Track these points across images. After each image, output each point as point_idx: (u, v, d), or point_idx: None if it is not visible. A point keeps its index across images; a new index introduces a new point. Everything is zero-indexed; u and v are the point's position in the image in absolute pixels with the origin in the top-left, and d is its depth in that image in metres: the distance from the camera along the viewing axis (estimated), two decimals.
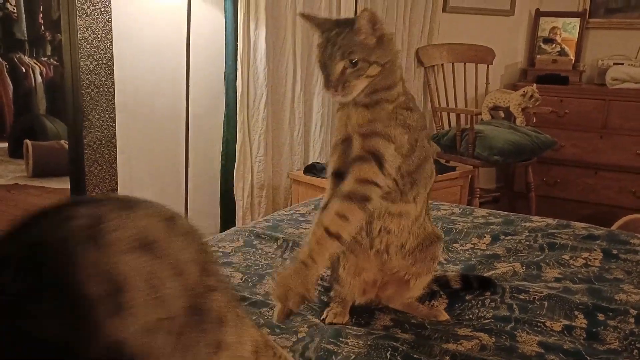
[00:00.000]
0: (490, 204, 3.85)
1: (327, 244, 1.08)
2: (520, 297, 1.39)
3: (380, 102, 1.14)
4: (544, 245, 1.70)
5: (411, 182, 1.19)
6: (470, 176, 3.40)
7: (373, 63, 1.11)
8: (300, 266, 1.06)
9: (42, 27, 2.70)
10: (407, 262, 1.28)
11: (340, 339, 1.20)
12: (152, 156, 2.66)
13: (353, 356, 1.13)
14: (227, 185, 2.95)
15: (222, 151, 2.92)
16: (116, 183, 2.41)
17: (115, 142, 2.40)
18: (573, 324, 1.27)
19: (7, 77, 2.61)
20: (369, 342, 1.19)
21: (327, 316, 1.31)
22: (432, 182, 1.27)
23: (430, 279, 1.35)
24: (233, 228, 1.80)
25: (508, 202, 3.97)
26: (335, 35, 1.11)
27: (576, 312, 1.31)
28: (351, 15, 3.22)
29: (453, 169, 3.35)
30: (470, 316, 1.33)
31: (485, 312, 1.33)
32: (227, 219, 2.98)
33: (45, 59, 2.69)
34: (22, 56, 2.65)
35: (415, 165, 1.18)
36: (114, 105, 2.37)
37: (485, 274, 1.51)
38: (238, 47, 2.80)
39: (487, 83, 3.86)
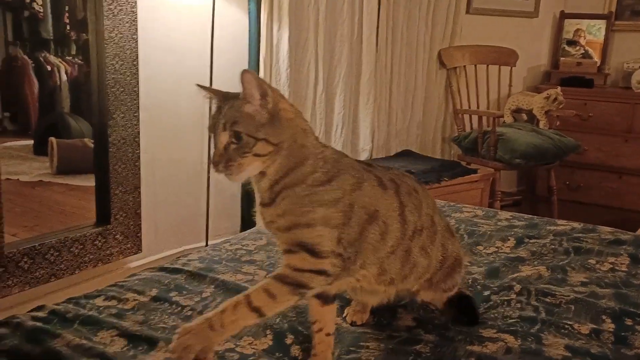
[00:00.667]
0: (511, 207, 3.82)
1: (244, 315, 0.96)
2: (546, 300, 1.37)
3: (284, 192, 1.01)
4: (570, 249, 1.68)
5: (355, 253, 1.04)
6: (491, 179, 3.37)
7: (261, 140, 0.97)
8: (205, 327, 0.93)
9: (68, 26, 2.74)
10: (420, 286, 1.23)
11: (361, 343, 1.20)
12: (174, 156, 2.68)
13: (373, 359, 1.13)
14: (248, 185, 2.95)
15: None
16: (139, 181, 2.44)
17: (139, 141, 2.42)
18: (601, 328, 1.25)
19: (33, 75, 2.65)
20: (390, 346, 1.18)
21: (347, 314, 1.31)
22: (391, 241, 1.09)
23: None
24: (255, 227, 1.81)
25: (529, 206, 3.93)
26: (224, 106, 1.00)
27: (603, 317, 1.29)
28: (374, 18, 3.22)
29: (474, 171, 3.33)
30: (496, 316, 1.31)
31: (510, 312, 1.32)
32: (248, 219, 2.99)
33: (70, 58, 2.72)
34: (48, 55, 2.69)
35: (356, 233, 1.04)
36: (138, 104, 2.40)
37: (510, 277, 1.50)
38: (260, 48, 2.82)
39: (510, 85, 3.83)
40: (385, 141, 3.48)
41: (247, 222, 2.97)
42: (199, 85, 1.07)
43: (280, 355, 1.16)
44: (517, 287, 1.43)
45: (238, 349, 1.14)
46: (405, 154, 3.48)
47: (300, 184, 1.00)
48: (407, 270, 1.15)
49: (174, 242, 2.73)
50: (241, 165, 0.97)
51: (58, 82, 2.71)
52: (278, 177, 1.01)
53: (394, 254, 1.11)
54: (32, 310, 1.24)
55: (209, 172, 2.75)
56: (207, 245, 2.66)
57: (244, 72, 0.96)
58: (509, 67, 3.81)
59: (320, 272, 1.00)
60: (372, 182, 1.09)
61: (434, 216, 1.22)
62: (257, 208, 1.06)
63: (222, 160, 0.97)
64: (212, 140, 1.00)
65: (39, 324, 1.15)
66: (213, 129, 0.99)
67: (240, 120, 0.97)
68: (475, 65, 3.72)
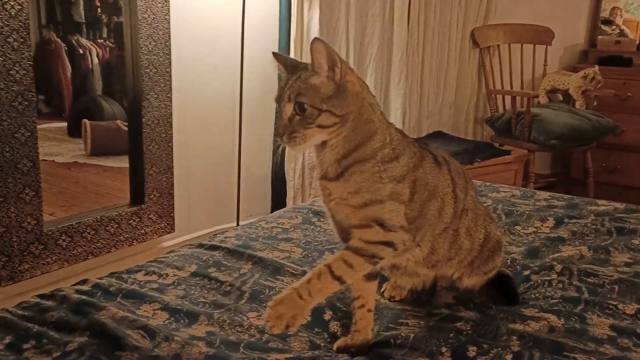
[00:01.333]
0: (545, 189, 3.74)
1: (328, 283, 0.99)
2: (589, 280, 1.34)
3: (354, 167, 1.00)
4: (612, 229, 1.64)
5: (416, 229, 1.07)
6: (525, 161, 3.31)
7: (325, 111, 0.96)
8: (295, 296, 0.96)
9: (99, 9, 2.76)
10: (461, 273, 1.23)
11: (400, 320, 1.19)
12: (206, 137, 2.69)
13: (412, 335, 1.12)
14: (279, 167, 2.96)
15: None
16: (172, 162, 2.46)
17: (172, 122, 2.43)
18: None
19: (66, 58, 2.68)
20: (430, 323, 1.17)
21: (385, 289, 1.31)
22: (446, 218, 1.12)
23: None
24: (291, 205, 1.81)
25: (564, 188, 3.85)
26: (294, 77, 0.99)
27: None
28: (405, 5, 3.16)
29: (507, 153, 3.27)
30: (537, 295, 1.29)
31: (552, 293, 1.29)
32: (278, 200, 2.99)
33: (102, 41, 2.75)
34: (80, 38, 2.71)
35: (418, 210, 1.06)
36: (171, 85, 2.41)
37: (551, 257, 1.47)
38: (291, 28, 2.79)
39: (545, 65, 3.73)
40: (417, 122, 3.44)
41: (277, 203, 2.97)
42: (274, 53, 1.07)
43: (319, 330, 1.16)
44: (559, 267, 1.40)
45: None
46: (437, 135, 3.43)
47: (370, 159, 1.01)
48: (453, 252, 1.16)
49: (206, 222, 2.75)
50: (305, 136, 0.97)
51: (90, 65, 2.74)
52: (346, 150, 1.01)
53: (445, 233, 1.13)
54: (76, 284, 1.26)
55: (240, 153, 2.75)
56: (237, 225, 2.68)
57: (314, 40, 0.95)
58: (545, 46, 3.71)
59: (390, 244, 1.02)
60: (430, 160, 1.10)
61: (476, 198, 1.24)
62: (318, 182, 1.06)
63: (286, 132, 0.97)
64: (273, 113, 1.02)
65: (83, 296, 1.17)
66: (279, 100, 1.00)
67: (305, 91, 0.96)
68: (510, 45, 3.64)
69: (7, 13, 1.77)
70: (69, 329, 1.07)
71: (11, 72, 1.81)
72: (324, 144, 1.01)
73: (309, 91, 0.96)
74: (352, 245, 1.02)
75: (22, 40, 1.82)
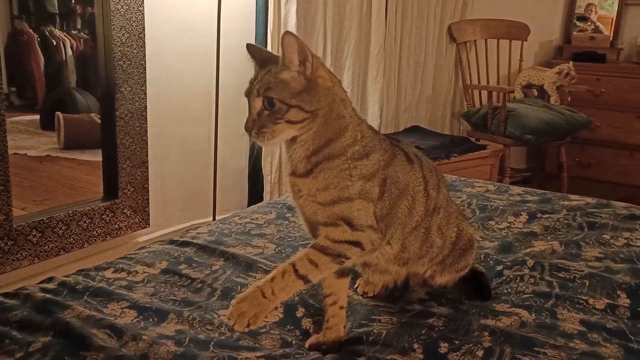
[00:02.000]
0: (520, 184, 3.78)
1: (292, 282, 0.97)
2: (560, 275, 1.35)
3: (324, 163, 0.98)
4: (584, 224, 1.66)
5: (385, 227, 1.05)
6: (500, 155, 3.34)
7: (294, 107, 0.94)
8: (258, 294, 0.94)
9: (73, 0, 2.70)
10: (433, 271, 1.23)
11: (373, 317, 1.19)
12: (181, 130, 2.66)
13: (385, 332, 1.12)
14: (255, 160, 2.94)
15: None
16: (147, 156, 2.42)
17: (146, 115, 2.40)
18: (616, 303, 1.23)
19: (39, 50, 2.62)
20: (403, 320, 1.17)
21: (358, 285, 1.30)
22: (417, 216, 1.10)
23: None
24: (265, 201, 1.79)
25: (538, 182, 3.89)
26: (264, 71, 0.97)
27: (619, 292, 1.28)
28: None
29: (484, 147, 3.29)
30: (509, 291, 1.30)
31: (524, 288, 1.30)
32: (255, 194, 2.97)
33: (76, 32, 2.69)
34: (53, 29, 2.65)
35: (388, 208, 1.04)
36: (145, 77, 2.37)
37: (523, 252, 1.48)
38: (268, 21, 2.77)
39: (521, 60, 3.76)
40: (394, 116, 3.44)
41: (254, 197, 2.95)
42: (248, 44, 1.05)
43: (291, 327, 1.16)
44: (530, 262, 1.41)
45: None
46: (414, 130, 3.44)
47: (340, 156, 0.99)
48: (425, 250, 1.16)
49: (182, 216, 2.72)
50: (274, 131, 0.95)
51: (64, 57, 2.68)
52: (316, 146, 0.99)
53: (416, 231, 1.12)
54: (41, 282, 1.23)
55: (216, 147, 2.73)
56: (214, 220, 2.65)
57: (285, 34, 0.93)
58: (520, 42, 3.74)
59: (357, 244, 1.01)
60: (401, 157, 1.09)
61: (448, 196, 1.23)
62: (288, 178, 1.04)
63: (254, 126, 0.95)
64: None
65: (48, 295, 1.15)
66: (248, 94, 0.97)
67: (274, 86, 0.94)
68: (486, 40, 3.66)
69: None
70: (32, 328, 1.04)
71: None
72: (294, 139, 1.00)
73: (278, 86, 0.94)
74: (318, 244, 1.00)
75: None
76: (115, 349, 0.99)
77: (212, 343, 1.05)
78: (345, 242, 1.00)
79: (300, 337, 1.14)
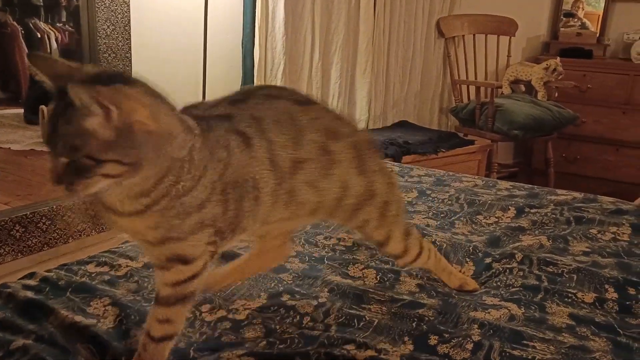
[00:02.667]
0: (507, 179, 3.79)
1: (158, 348, 0.93)
2: (548, 269, 1.35)
3: (152, 207, 0.85)
4: (571, 218, 1.66)
5: (232, 229, 0.95)
6: (488, 151, 3.35)
7: (110, 162, 0.77)
8: None
9: None
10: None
11: (363, 305, 1.19)
12: None
13: (376, 321, 1.12)
14: None
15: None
16: None
17: None
18: (604, 297, 1.24)
19: (23, 42, 2.58)
20: (393, 310, 1.17)
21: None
22: (266, 197, 0.96)
23: None
24: None
25: (526, 178, 3.91)
26: (62, 110, 0.76)
27: (607, 286, 1.28)
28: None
29: (471, 142, 3.30)
30: (498, 284, 1.30)
31: (513, 281, 1.30)
32: None
33: (61, 25, 2.65)
34: (38, 22, 2.61)
35: (233, 215, 0.93)
36: (131, 71, 2.33)
37: (511, 246, 1.48)
38: (256, 15, 2.74)
39: (509, 56, 3.77)
40: (382, 111, 3.44)
41: None
42: (32, 54, 0.87)
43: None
44: (519, 256, 1.41)
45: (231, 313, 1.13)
46: (402, 125, 3.44)
47: (165, 197, 0.85)
48: (291, 212, 1.01)
49: None
50: (88, 185, 0.78)
51: (48, 50, 2.64)
52: (145, 189, 0.84)
53: (275, 203, 0.99)
54: (23, 278, 1.20)
55: None
56: None
57: (70, 85, 0.73)
58: (508, 37, 3.75)
59: (196, 275, 0.93)
60: (237, 144, 0.93)
61: (329, 144, 1.02)
62: (109, 217, 0.89)
63: (62, 182, 0.78)
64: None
65: (30, 293, 1.12)
66: (50, 146, 0.78)
67: (80, 142, 0.76)
68: (474, 35, 3.66)
69: None
70: (15, 330, 1.01)
71: None
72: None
73: (84, 140, 0.75)
74: (161, 297, 0.93)
75: None
76: None
77: (193, 348, 1.03)
78: (186, 280, 0.92)
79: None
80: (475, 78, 3.69)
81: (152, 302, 0.95)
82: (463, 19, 3.64)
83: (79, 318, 1.07)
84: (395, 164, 2.36)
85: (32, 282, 1.18)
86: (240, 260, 1.21)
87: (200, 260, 0.92)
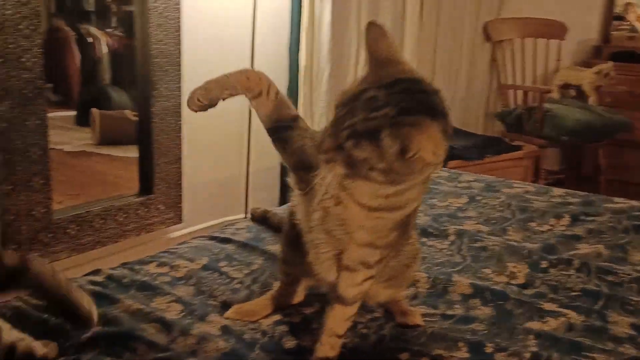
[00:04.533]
0: (554, 186, 3.71)
1: (340, 343, 1.01)
2: (608, 278, 1.32)
3: (385, 212, 0.89)
4: (629, 227, 1.61)
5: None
6: (535, 157, 3.28)
7: (377, 170, 0.79)
8: None
9: None
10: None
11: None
12: (215, 127, 2.67)
13: (429, 330, 1.10)
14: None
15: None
16: (180, 152, 2.44)
17: (181, 112, 2.41)
18: None
19: (75, 47, 2.67)
20: (446, 316, 1.15)
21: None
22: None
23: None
24: None
25: (574, 185, 3.81)
26: (364, 107, 0.78)
27: None
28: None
29: (518, 148, 3.24)
30: (556, 286, 1.27)
31: (572, 286, 1.27)
32: (287, 191, 2.97)
33: (111, 30, 2.73)
34: (89, 27, 2.70)
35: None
36: (181, 75, 2.38)
37: (566, 255, 1.45)
38: (302, 21, 2.77)
39: (558, 60, 3.69)
40: None
41: (286, 195, 2.95)
42: (371, 22, 0.88)
43: None
44: (577, 263, 1.38)
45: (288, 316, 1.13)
46: None
47: (400, 209, 0.92)
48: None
49: (214, 213, 2.73)
50: (346, 170, 0.83)
51: (99, 54, 2.72)
52: (387, 192, 0.87)
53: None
54: (88, 274, 1.24)
55: (249, 144, 2.74)
56: (245, 217, 2.66)
57: (421, 136, 0.75)
58: (558, 41, 3.66)
59: (373, 278, 1.00)
60: None
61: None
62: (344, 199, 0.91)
63: (328, 153, 0.82)
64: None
65: (97, 288, 1.16)
66: (338, 111, 0.81)
67: (367, 147, 0.78)
68: (523, 39, 3.59)
69: (18, 0, 1.75)
70: None
71: (22, 59, 1.79)
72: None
73: (373, 148, 0.77)
74: (348, 298, 0.98)
75: (33, 27, 1.80)
76: (164, 345, 0.99)
77: (258, 345, 1.04)
78: (365, 280, 0.98)
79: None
80: (523, 82, 3.62)
81: (329, 306, 1.00)
82: (511, 22, 3.59)
83: (143, 306, 1.10)
84: (444, 169, 2.33)
85: (98, 279, 1.21)
86: (274, 291, 1.20)
87: (374, 269, 0.98)
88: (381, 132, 0.76)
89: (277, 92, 1.01)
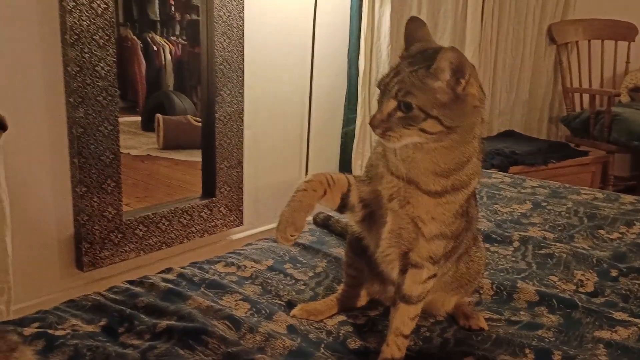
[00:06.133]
0: (624, 193, 3.56)
1: (406, 343, 1.02)
2: None
3: (451, 194, 0.94)
4: None
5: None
6: (603, 162, 3.15)
7: (433, 118, 0.86)
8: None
9: (173, 7, 2.85)
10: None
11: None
12: (275, 132, 2.72)
13: (494, 336, 1.09)
14: (346, 163, 2.95)
15: (342, 129, 2.93)
16: (242, 157, 2.50)
17: (243, 117, 2.47)
18: None
19: (142, 55, 2.78)
20: (510, 331, 1.13)
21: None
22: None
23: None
24: None
25: None
26: (406, 66, 0.88)
27: None
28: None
29: (585, 153, 3.12)
30: (627, 294, 1.23)
31: None
32: None
33: (174, 38, 2.83)
34: (155, 35, 2.81)
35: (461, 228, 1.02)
36: (243, 81, 2.44)
37: (638, 264, 1.39)
38: (362, 25, 2.78)
39: (628, 62, 3.54)
40: (488, 120, 3.34)
41: None
42: (412, 17, 0.99)
43: None
44: None
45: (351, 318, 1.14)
46: (509, 135, 3.33)
47: (463, 188, 0.95)
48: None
49: (273, 216, 2.76)
50: (401, 136, 0.88)
51: (163, 62, 2.83)
52: (445, 167, 0.92)
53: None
54: (160, 272, 1.30)
55: (308, 149, 2.77)
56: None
57: (449, 50, 0.84)
58: (627, 42, 3.52)
59: (436, 275, 1.02)
60: (478, 157, 1.02)
61: None
62: (391, 179, 0.96)
63: (381, 126, 0.88)
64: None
65: (170, 285, 1.21)
66: (383, 89, 0.89)
67: (417, 91, 0.85)
68: (589, 41, 3.47)
69: (94, 12, 1.85)
70: (157, 314, 1.10)
71: (97, 68, 1.89)
72: (416, 144, 0.91)
73: (422, 92, 0.85)
74: (414, 297, 1.01)
75: (107, 37, 1.90)
76: (235, 340, 1.03)
77: (323, 345, 1.06)
78: (429, 278, 1.00)
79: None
80: (590, 86, 3.49)
81: (395, 306, 1.02)
82: (577, 24, 3.47)
83: (213, 304, 1.14)
84: (506, 174, 2.28)
85: (170, 276, 1.27)
86: (338, 294, 1.21)
87: (438, 265, 1.00)
88: (421, 71, 0.86)
89: (334, 177, 1.05)
